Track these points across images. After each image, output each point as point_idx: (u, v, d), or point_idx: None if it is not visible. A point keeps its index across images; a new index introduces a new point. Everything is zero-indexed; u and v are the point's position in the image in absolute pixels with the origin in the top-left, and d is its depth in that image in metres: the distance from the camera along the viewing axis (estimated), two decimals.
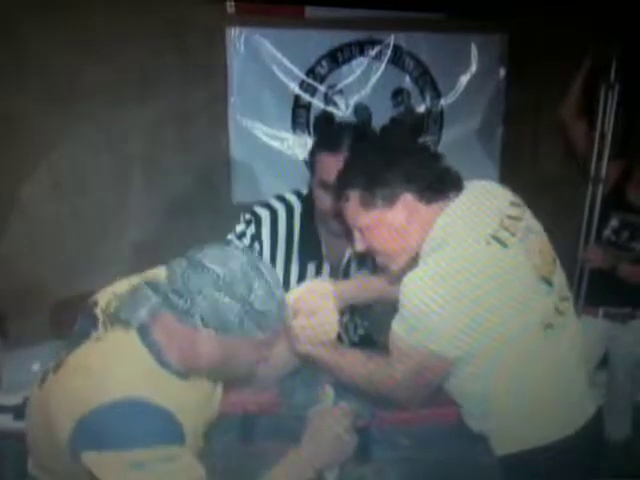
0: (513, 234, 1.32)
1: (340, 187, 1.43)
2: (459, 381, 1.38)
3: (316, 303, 1.45)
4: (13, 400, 1.99)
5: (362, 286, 1.71)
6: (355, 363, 1.42)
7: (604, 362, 2.74)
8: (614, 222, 2.58)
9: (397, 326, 1.33)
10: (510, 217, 1.36)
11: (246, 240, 1.86)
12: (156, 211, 3.29)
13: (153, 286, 1.19)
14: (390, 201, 1.35)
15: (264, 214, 1.87)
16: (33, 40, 2.88)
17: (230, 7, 3.16)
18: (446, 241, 1.30)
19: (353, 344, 1.98)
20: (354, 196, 1.38)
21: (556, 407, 1.41)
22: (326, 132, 1.85)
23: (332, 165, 1.66)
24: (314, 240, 1.87)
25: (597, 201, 2.62)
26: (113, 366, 1.14)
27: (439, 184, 1.37)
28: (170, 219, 3.30)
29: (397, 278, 1.40)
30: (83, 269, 3.13)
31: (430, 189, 1.36)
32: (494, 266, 1.27)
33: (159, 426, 1.12)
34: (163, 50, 3.09)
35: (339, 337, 1.96)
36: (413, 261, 1.37)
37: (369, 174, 1.36)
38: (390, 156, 1.37)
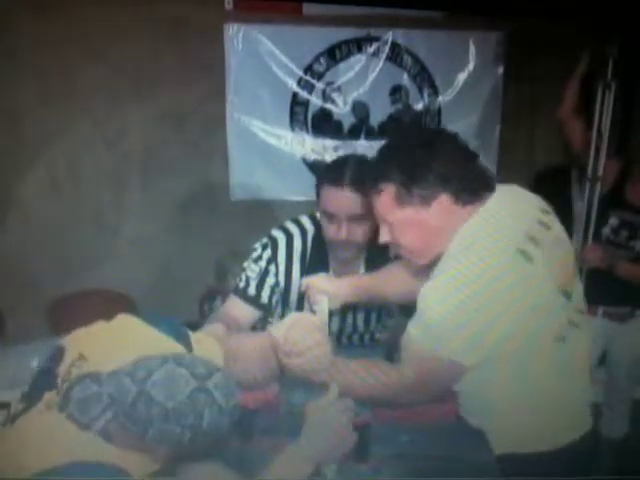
0: (538, 245, 1.29)
1: (374, 177, 1.36)
2: (463, 383, 1.36)
3: (305, 341, 1.36)
4: (11, 397, 1.98)
5: (357, 284, 1.71)
6: (356, 371, 1.37)
7: (602, 360, 2.74)
8: (613, 221, 2.57)
9: (413, 330, 1.30)
10: (541, 223, 1.33)
11: (262, 263, 1.87)
12: (154, 209, 3.29)
13: (113, 393, 1.14)
14: (427, 201, 1.31)
15: (280, 237, 1.89)
16: (31, 38, 2.88)
17: (228, 4, 3.17)
18: (472, 246, 1.27)
19: (352, 348, 1.99)
20: (388, 190, 1.33)
21: (560, 412, 1.40)
22: (329, 165, 1.88)
23: (334, 197, 1.70)
24: (324, 263, 1.89)
25: (595, 200, 2.62)
26: (57, 440, 1.13)
27: (475, 186, 1.33)
28: (168, 216, 3.30)
29: (418, 271, 1.39)
30: (81, 266, 3.14)
31: (466, 190, 1.32)
32: (514, 279, 1.24)
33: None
34: (161, 47, 3.09)
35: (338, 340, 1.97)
36: (437, 258, 1.34)
37: (409, 171, 1.30)
38: (433, 154, 1.30)
